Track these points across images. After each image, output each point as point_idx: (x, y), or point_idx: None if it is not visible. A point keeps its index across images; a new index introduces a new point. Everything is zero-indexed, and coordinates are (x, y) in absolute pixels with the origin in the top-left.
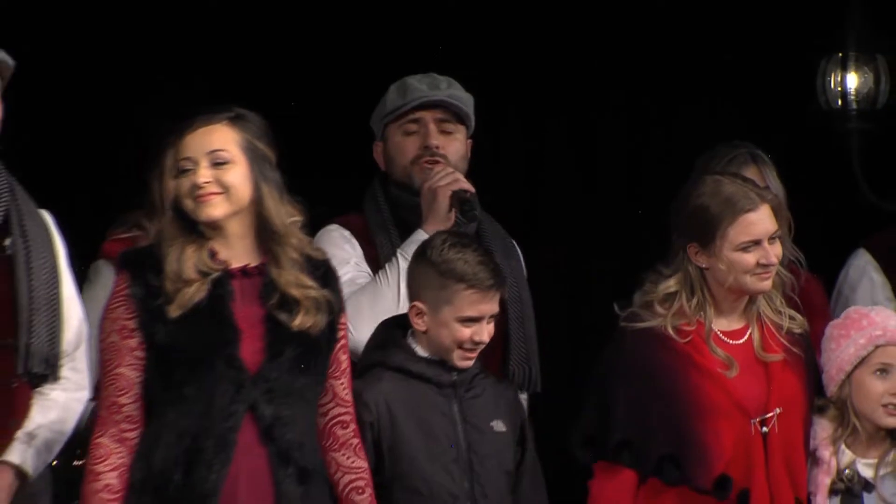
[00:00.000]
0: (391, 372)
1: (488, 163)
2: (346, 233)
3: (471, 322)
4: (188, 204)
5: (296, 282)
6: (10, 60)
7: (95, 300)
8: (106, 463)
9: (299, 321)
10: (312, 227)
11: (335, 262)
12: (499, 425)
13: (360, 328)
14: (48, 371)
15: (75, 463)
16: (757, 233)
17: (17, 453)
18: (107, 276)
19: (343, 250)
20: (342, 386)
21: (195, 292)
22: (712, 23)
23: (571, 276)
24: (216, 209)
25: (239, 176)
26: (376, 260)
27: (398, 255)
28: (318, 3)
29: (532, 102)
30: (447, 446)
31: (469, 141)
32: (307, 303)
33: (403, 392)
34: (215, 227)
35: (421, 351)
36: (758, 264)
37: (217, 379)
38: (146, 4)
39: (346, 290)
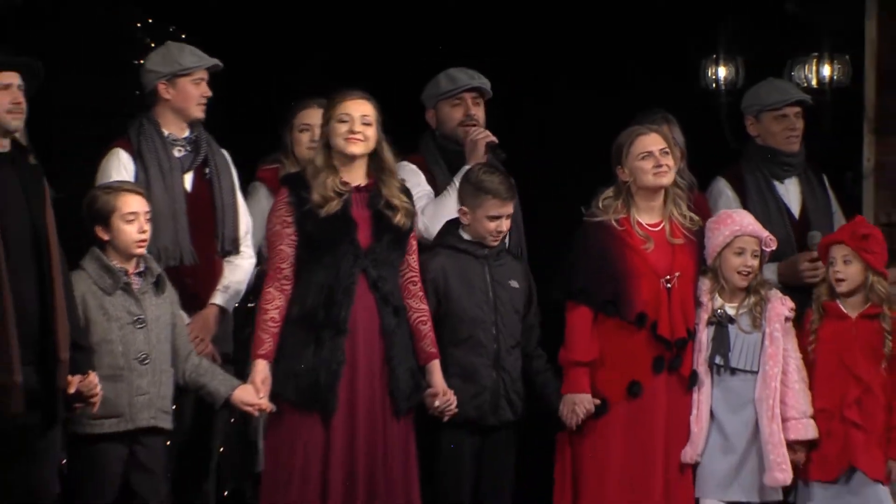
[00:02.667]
0: (447, 249)
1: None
2: (414, 167)
3: (494, 219)
4: (340, 143)
5: (396, 195)
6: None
7: (253, 206)
8: (272, 304)
9: (398, 219)
10: None
11: (413, 183)
12: (514, 283)
13: (433, 225)
14: (233, 248)
15: (249, 304)
16: (647, 145)
17: (220, 298)
18: (259, 191)
19: (418, 175)
20: (413, 259)
21: (336, 205)
22: (634, 35)
23: (562, 189)
24: (359, 148)
25: (373, 131)
26: (433, 183)
27: (454, 180)
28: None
29: (528, 83)
30: (480, 293)
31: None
32: (402, 209)
33: (453, 260)
34: (350, 160)
35: (466, 236)
36: (653, 167)
37: (343, 254)
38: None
39: (424, 200)
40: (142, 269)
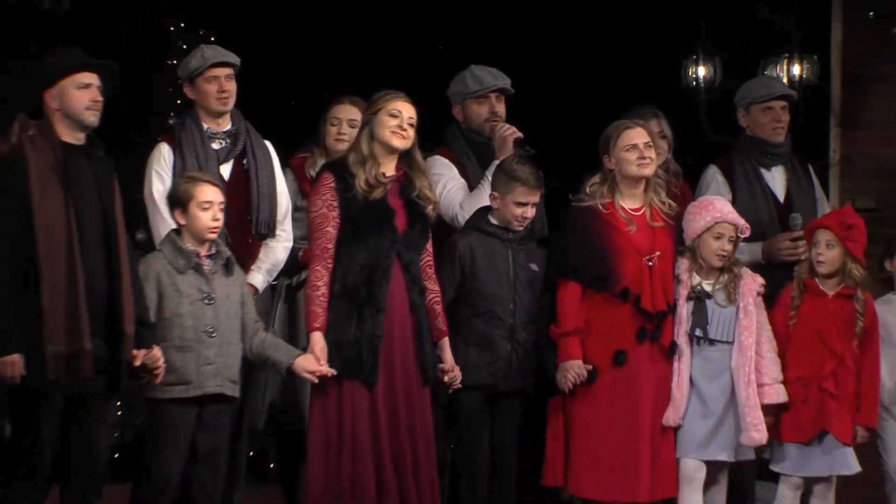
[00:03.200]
0: (476, 231)
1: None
2: (446, 160)
3: (521, 206)
4: (387, 135)
5: (428, 189)
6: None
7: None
8: (322, 281)
9: (429, 210)
10: None
11: (449, 177)
12: (534, 267)
13: (468, 211)
14: (269, 231)
15: (296, 281)
16: (633, 138)
17: (254, 278)
18: (290, 178)
19: (452, 169)
20: (430, 245)
21: (380, 192)
22: (623, 40)
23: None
24: (402, 143)
25: (413, 132)
26: (464, 173)
27: (486, 174)
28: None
29: (528, 82)
30: (502, 273)
31: None
32: (433, 202)
33: (481, 241)
34: (390, 152)
35: (494, 221)
36: (637, 158)
37: (382, 237)
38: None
39: (461, 193)
40: (213, 252)
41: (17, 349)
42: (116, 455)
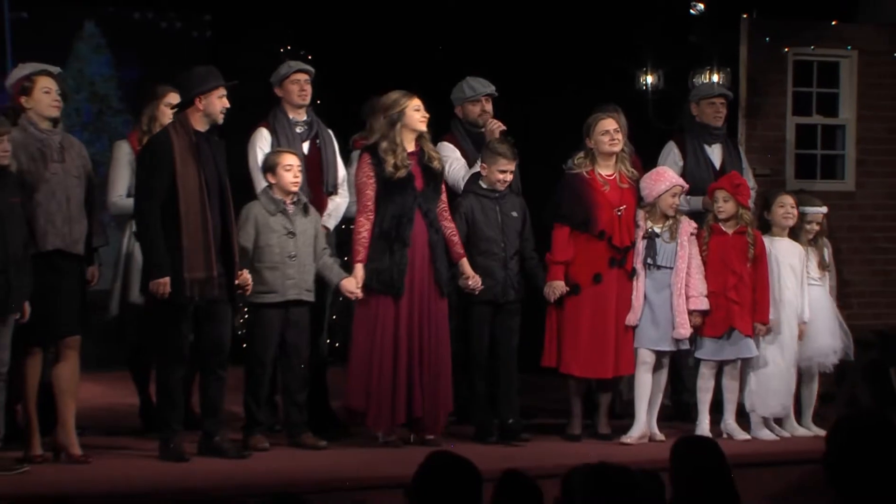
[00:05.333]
0: (472, 193)
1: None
2: (451, 145)
3: (503, 172)
4: (417, 123)
5: (435, 154)
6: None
7: (351, 165)
8: (364, 228)
9: (436, 165)
10: None
11: (454, 157)
12: (514, 213)
13: (465, 179)
14: (333, 190)
15: (344, 226)
16: (606, 125)
17: (328, 221)
18: (354, 156)
19: (455, 151)
20: (444, 196)
21: (403, 173)
22: (590, 55)
23: (546, 155)
24: (425, 127)
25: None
26: (464, 154)
27: (481, 157)
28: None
29: (517, 89)
30: (493, 221)
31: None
32: (438, 159)
33: (477, 200)
34: (414, 133)
35: (483, 185)
36: (609, 140)
37: (407, 193)
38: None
39: (462, 169)
40: (295, 200)
41: (166, 274)
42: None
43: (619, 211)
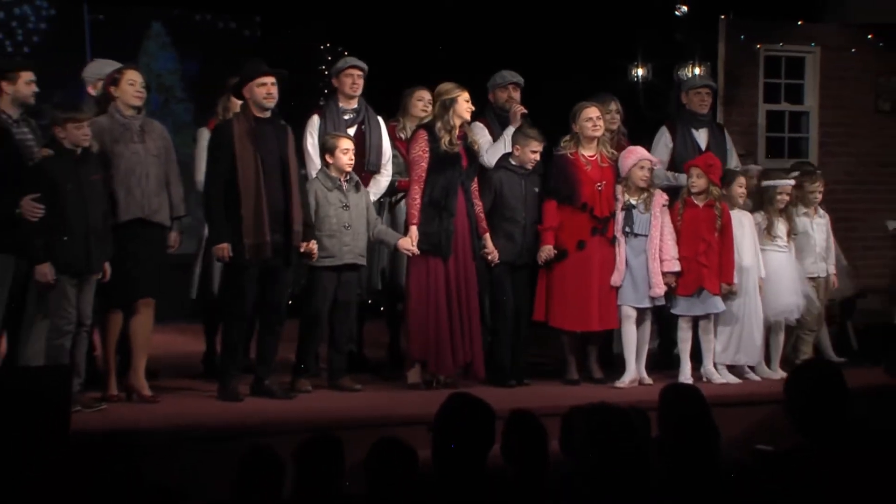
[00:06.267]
0: (503, 168)
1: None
2: (483, 126)
3: (534, 153)
4: (465, 113)
5: (478, 143)
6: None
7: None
8: (417, 196)
9: (477, 148)
10: None
11: (485, 138)
12: (536, 189)
13: (492, 160)
14: (376, 168)
15: (394, 200)
16: (589, 113)
17: (370, 197)
18: (410, 139)
19: (485, 131)
20: (476, 175)
21: (455, 148)
22: (589, 51)
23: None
24: (470, 115)
25: None
26: (493, 134)
27: (503, 135)
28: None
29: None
30: (518, 193)
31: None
32: (478, 142)
33: (507, 174)
34: (461, 120)
35: (514, 162)
36: (591, 126)
37: (453, 170)
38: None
39: (489, 147)
40: (349, 178)
41: (226, 240)
42: (290, 301)
43: (599, 186)
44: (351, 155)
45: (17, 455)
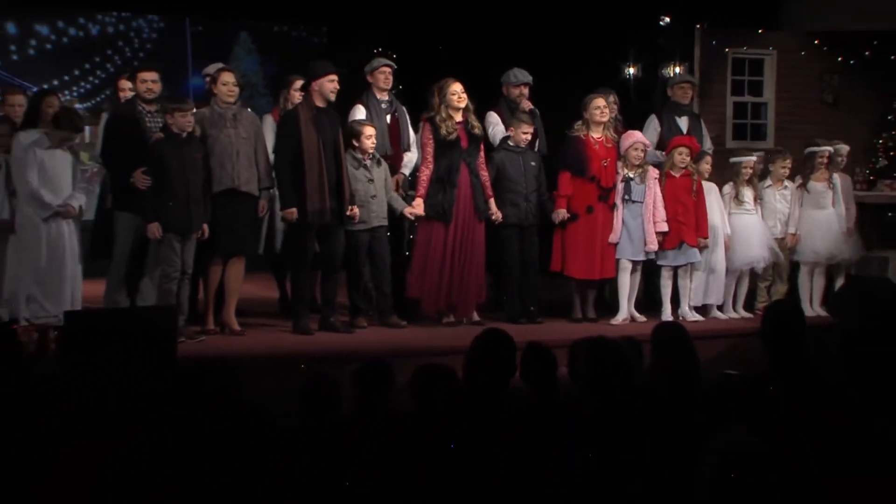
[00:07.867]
0: (504, 148)
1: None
2: (497, 117)
3: (525, 133)
4: (455, 100)
5: (476, 122)
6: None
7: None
8: (425, 173)
9: (477, 131)
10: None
11: (494, 125)
12: (533, 163)
13: (498, 138)
14: (408, 148)
15: (414, 177)
16: (597, 103)
17: (406, 170)
18: (420, 128)
19: (497, 118)
20: (482, 152)
21: (454, 136)
22: (587, 52)
23: (558, 123)
24: (464, 105)
25: (466, 96)
26: (505, 123)
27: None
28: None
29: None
30: (518, 168)
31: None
32: (479, 127)
33: (507, 153)
34: (458, 110)
35: (511, 143)
36: (599, 113)
37: (455, 150)
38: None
39: (500, 133)
40: (372, 155)
41: (292, 206)
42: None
43: (605, 162)
44: (374, 140)
45: (135, 378)
